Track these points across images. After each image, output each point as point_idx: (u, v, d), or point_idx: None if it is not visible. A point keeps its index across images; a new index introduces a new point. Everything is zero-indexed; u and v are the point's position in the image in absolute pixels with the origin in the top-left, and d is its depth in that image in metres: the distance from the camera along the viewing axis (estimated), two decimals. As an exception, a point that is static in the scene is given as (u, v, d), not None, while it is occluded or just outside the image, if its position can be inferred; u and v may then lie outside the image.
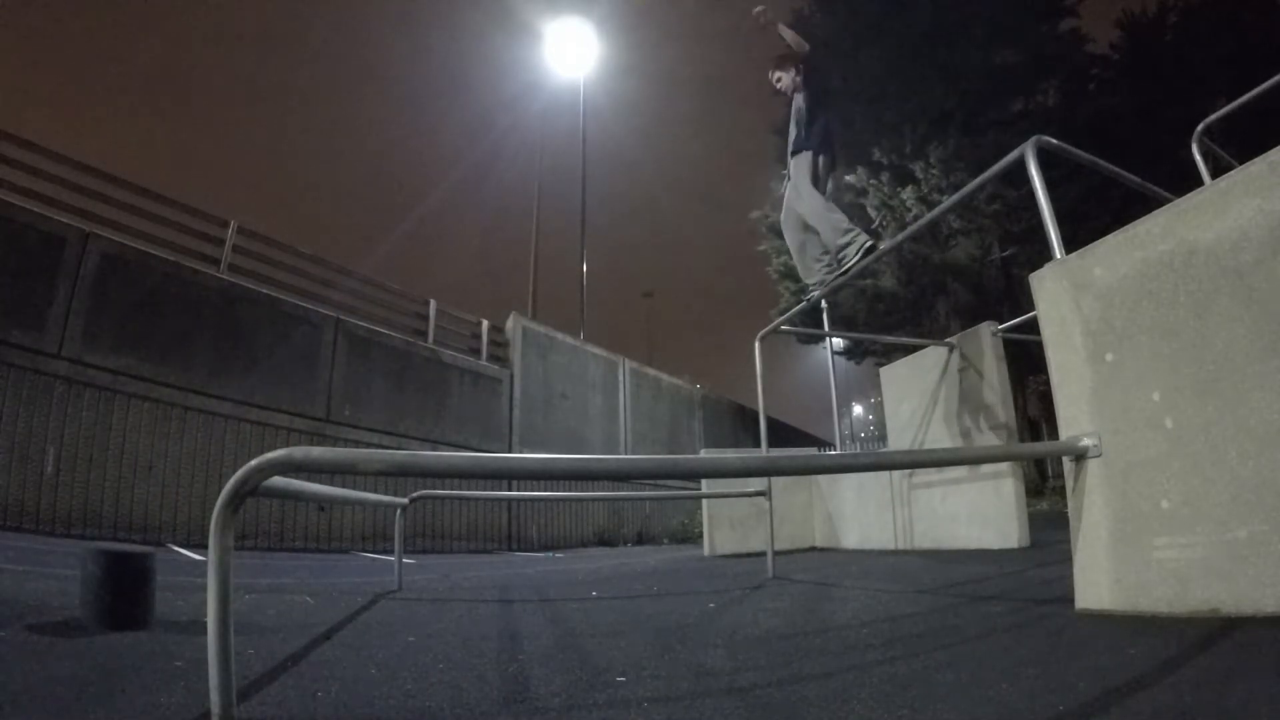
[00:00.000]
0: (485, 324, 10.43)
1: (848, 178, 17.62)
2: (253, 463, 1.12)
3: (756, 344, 4.55)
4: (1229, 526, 1.62)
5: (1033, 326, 2.62)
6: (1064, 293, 2.10)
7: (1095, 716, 1.10)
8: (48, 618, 2.01)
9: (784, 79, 4.28)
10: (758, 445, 4.70)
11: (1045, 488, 14.06)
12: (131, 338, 6.33)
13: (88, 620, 1.96)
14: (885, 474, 5.66)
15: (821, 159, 4.13)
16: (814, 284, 4.23)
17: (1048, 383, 2.30)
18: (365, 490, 4.97)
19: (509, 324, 10.82)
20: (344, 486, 3.07)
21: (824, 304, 15.30)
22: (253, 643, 1.86)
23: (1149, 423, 1.82)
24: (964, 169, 14.81)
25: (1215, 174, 3.59)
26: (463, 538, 8.87)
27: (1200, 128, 4.01)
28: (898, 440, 5.60)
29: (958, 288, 17.84)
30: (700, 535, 7.18)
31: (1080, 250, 2.07)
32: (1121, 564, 1.85)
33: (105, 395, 6.06)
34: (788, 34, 4.15)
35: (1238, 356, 1.64)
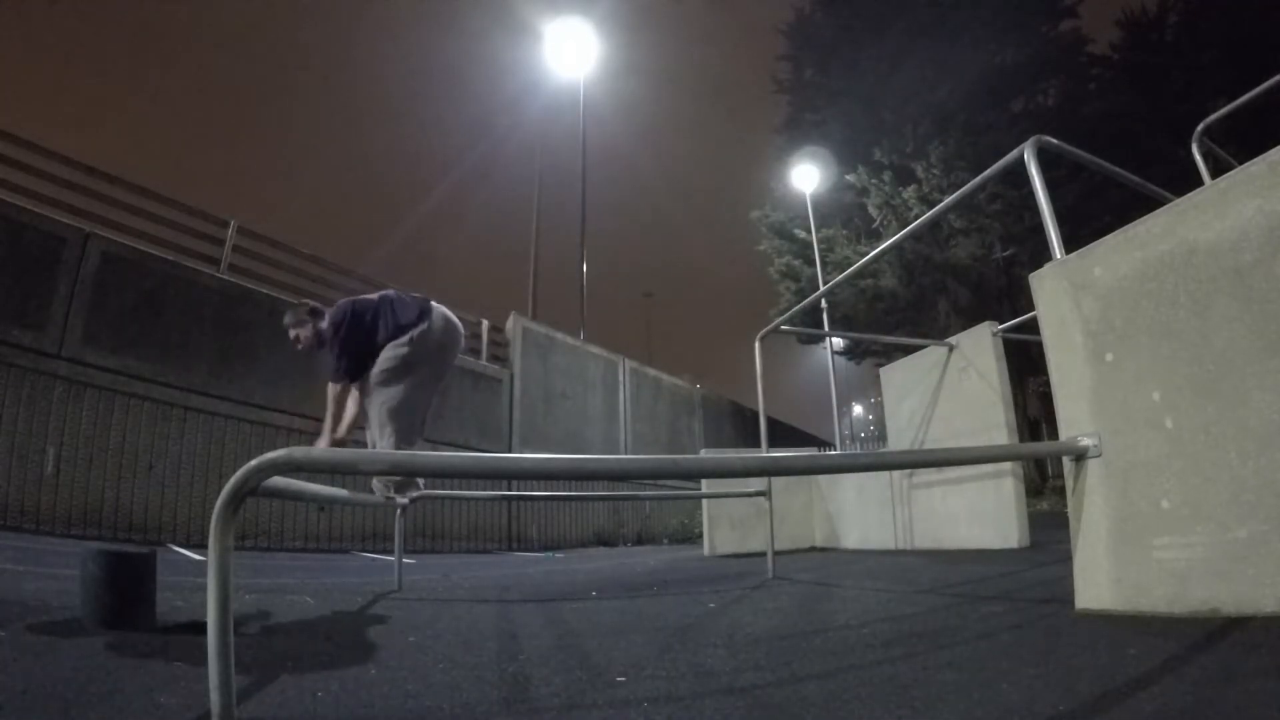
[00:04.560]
0: (485, 324, 10.43)
1: (848, 177, 17.64)
2: (253, 463, 1.12)
3: (756, 344, 4.55)
4: (1229, 526, 1.62)
5: (1033, 326, 2.62)
6: (1064, 293, 2.10)
7: (1095, 716, 1.10)
8: (48, 618, 2.01)
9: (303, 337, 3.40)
10: (757, 445, 4.70)
11: (1045, 488, 14.07)
12: (131, 338, 6.33)
13: (88, 620, 1.96)
14: (885, 474, 5.66)
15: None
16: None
17: (1048, 383, 2.30)
18: (365, 490, 4.96)
19: (509, 324, 10.82)
20: (344, 486, 3.06)
21: (824, 304, 15.38)
22: (253, 643, 1.86)
23: (1149, 423, 1.82)
24: (965, 168, 14.83)
25: (1215, 174, 3.59)
26: (463, 538, 8.87)
27: (1200, 128, 4.00)
28: (898, 440, 5.60)
29: (958, 288, 17.85)
30: (700, 535, 7.18)
31: (1080, 250, 2.07)
32: (1121, 564, 1.85)
33: (105, 395, 6.06)
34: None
35: (1238, 356, 1.64)
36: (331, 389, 3.18)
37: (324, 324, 3.30)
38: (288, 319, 3.39)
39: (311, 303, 3.56)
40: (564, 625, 2.37)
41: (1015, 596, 2.59)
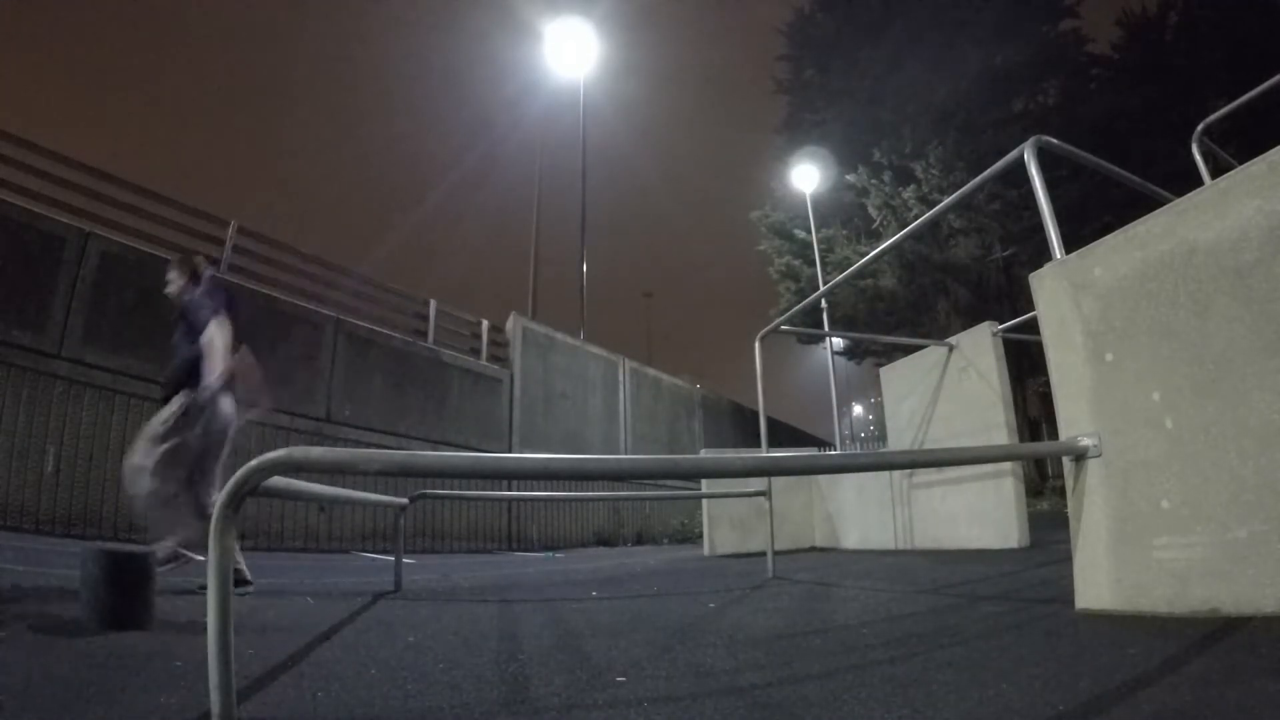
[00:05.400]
0: (485, 324, 10.43)
1: (848, 177, 17.64)
2: (253, 463, 1.12)
3: (756, 344, 4.55)
4: (1229, 526, 1.62)
5: (1033, 326, 2.62)
6: (1064, 293, 2.10)
7: (1095, 716, 1.10)
8: (48, 618, 2.01)
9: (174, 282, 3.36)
10: (757, 445, 4.70)
11: (1045, 488, 14.07)
12: (131, 338, 6.32)
13: (88, 620, 1.96)
14: (885, 474, 5.66)
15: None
16: None
17: (1048, 383, 2.30)
18: (365, 490, 4.97)
19: (509, 324, 10.82)
20: (344, 486, 3.06)
21: (824, 304, 15.39)
22: (253, 643, 1.86)
23: (1149, 423, 1.82)
24: (964, 169, 14.83)
25: (1215, 174, 3.59)
26: (463, 538, 8.87)
27: (1200, 128, 4.01)
28: (898, 440, 5.60)
29: (958, 288, 17.85)
30: (700, 535, 7.18)
31: (1080, 250, 2.08)
32: (1121, 564, 1.85)
33: (105, 395, 6.06)
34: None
35: (1238, 356, 1.64)
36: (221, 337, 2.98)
37: (199, 292, 3.24)
38: (174, 267, 3.43)
39: (203, 262, 3.53)
40: (564, 625, 2.37)
41: (1015, 596, 2.59)
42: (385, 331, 8.87)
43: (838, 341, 18.57)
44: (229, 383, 3.06)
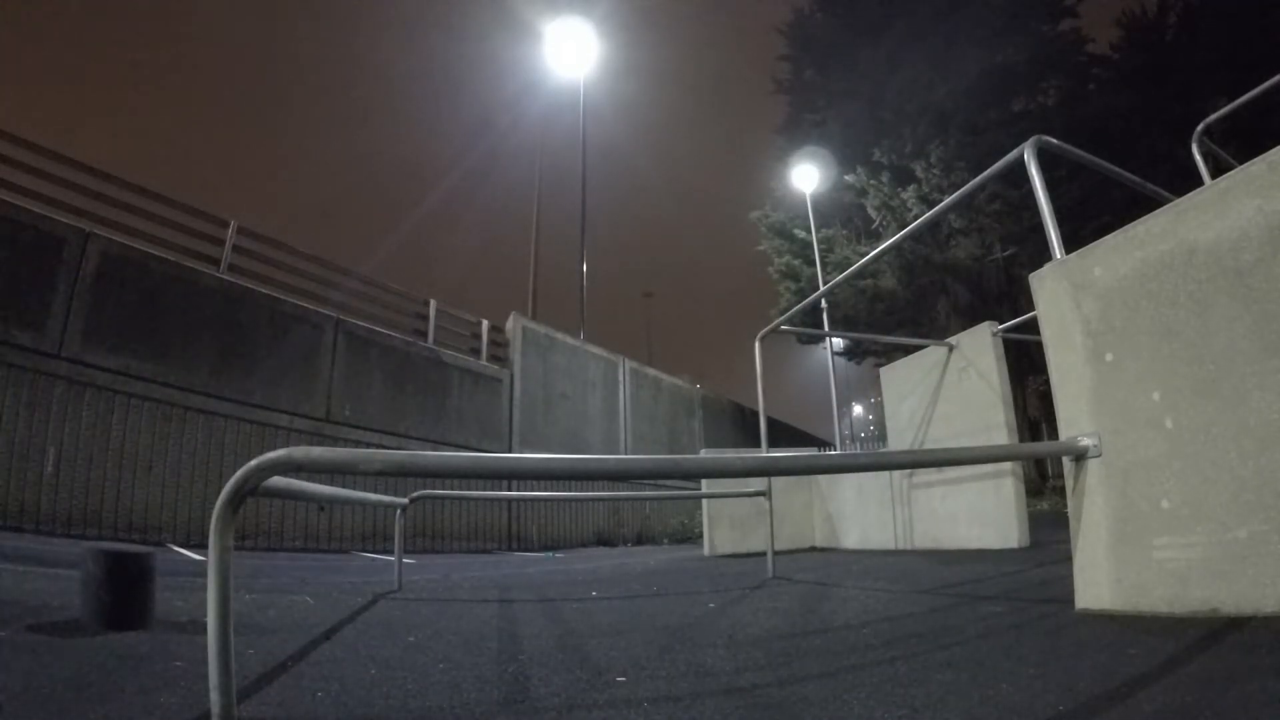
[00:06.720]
0: (485, 324, 10.43)
1: (847, 178, 17.63)
2: (253, 463, 1.12)
3: (756, 344, 4.55)
4: (1229, 526, 1.62)
5: (1033, 326, 2.62)
6: (1064, 293, 2.10)
7: (1095, 716, 1.10)
8: (48, 618, 2.01)
9: None
10: (757, 445, 4.70)
11: (1045, 488, 14.07)
12: (131, 338, 6.33)
13: (88, 620, 1.96)
14: (885, 474, 5.66)
15: None
16: None
17: (1048, 383, 2.30)
18: (365, 490, 4.97)
19: (509, 324, 10.82)
20: (344, 486, 3.07)
21: (824, 304, 15.39)
22: (253, 643, 1.86)
23: (1149, 423, 1.82)
24: (964, 168, 14.83)
25: (1215, 174, 3.59)
26: (463, 538, 8.87)
27: (1200, 128, 4.01)
28: (898, 440, 5.60)
29: (958, 288, 17.85)
30: (700, 535, 7.18)
31: (1080, 250, 2.08)
32: (1121, 564, 1.85)
33: (105, 395, 6.06)
34: None
35: (1238, 356, 1.64)
36: None
37: None
38: None
39: None
40: (564, 625, 2.37)
41: (1015, 596, 2.59)
42: (385, 331, 8.88)
43: (838, 341, 18.58)
44: None
